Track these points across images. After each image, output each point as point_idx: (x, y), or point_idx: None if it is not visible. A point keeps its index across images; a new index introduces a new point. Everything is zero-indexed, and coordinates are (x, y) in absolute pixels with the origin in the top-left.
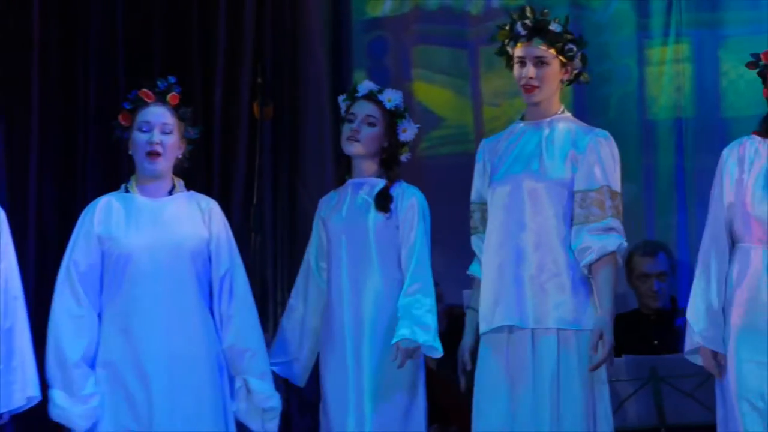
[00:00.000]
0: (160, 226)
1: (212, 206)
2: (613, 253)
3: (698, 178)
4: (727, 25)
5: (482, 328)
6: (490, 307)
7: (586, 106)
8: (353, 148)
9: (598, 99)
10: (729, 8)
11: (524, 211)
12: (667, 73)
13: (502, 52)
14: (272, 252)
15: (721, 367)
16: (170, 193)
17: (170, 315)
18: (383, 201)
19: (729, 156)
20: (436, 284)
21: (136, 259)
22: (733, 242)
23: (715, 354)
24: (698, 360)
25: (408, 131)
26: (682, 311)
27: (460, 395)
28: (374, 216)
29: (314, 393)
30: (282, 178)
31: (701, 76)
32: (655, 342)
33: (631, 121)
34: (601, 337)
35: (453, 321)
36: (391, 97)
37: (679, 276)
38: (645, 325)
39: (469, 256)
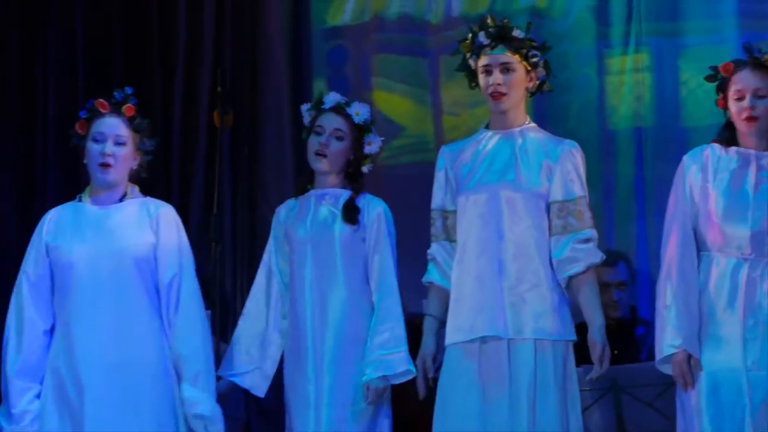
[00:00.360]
0: (103, 234)
1: (162, 211)
2: (596, 264)
3: (658, 188)
4: (687, 35)
5: (457, 338)
6: (469, 318)
7: (546, 114)
8: (321, 165)
9: (558, 108)
10: (688, 17)
11: (502, 220)
12: (627, 83)
13: (464, 68)
14: (232, 261)
15: (691, 375)
16: (121, 200)
17: (112, 323)
18: (351, 212)
19: (691, 163)
20: None
21: (77, 268)
22: (698, 250)
23: (689, 359)
24: (669, 369)
25: (373, 144)
26: (643, 321)
27: (418, 402)
28: (341, 227)
29: (274, 402)
30: (241, 187)
31: (661, 85)
32: (615, 352)
33: (591, 131)
34: (603, 348)
35: (413, 331)
36: (359, 111)
37: (639, 285)
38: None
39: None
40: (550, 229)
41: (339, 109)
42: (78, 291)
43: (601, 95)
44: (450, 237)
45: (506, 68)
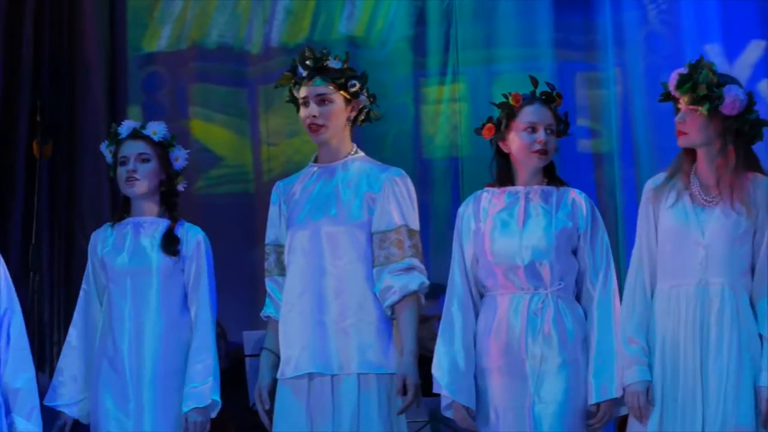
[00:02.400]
0: None
1: None
2: (415, 293)
3: None
4: (502, 62)
5: (285, 374)
6: (294, 354)
7: (362, 144)
8: (135, 189)
9: (374, 137)
10: (503, 45)
11: (323, 256)
12: (444, 112)
13: (292, 100)
14: (49, 292)
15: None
16: None
17: None
18: (170, 243)
19: (465, 211)
20: (217, 323)
21: None
22: (480, 294)
23: (466, 408)
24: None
25: (180, 159)
26: None
27: None
28: (159, 258)
29: None
30: (59, 218)
31: (476, 114)
32: None
33: (408, 160)
34: (405, 381)
35: (231, 361)
36: (156, 130)
37: None
38: (425, 367)
39: (246, 295)
40: (373, 260)
41: (136, 135)
42: None
43: (418, 124)
44: (283, 272)
45: (322, 99)
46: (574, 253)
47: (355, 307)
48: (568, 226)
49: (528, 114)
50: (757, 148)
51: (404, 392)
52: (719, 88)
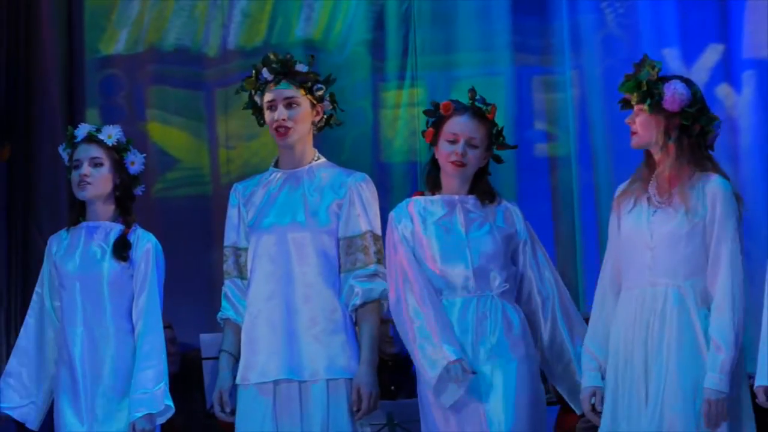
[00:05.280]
0: None
1: None
2: (377, 300)
3: None
4: (461, 67)
5: (250, 379)
6: (260, 360)
7: (321, 147)
8: (86, 193)
9: (332, 141)
10: (461, 50)
11: (291, 262)
12: (402, 117)
13: (251, 105)
14: (6, 294)
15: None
16: None
17: None
18: (121, 249)
19: (399, 219)
20: (169, 327)
21: None
22: None
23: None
24: None
25: (136, 163)
26: None
27: None
28: (109, 264)
29: None
30: (16, 220)
31: None
32: (392, 387)
33: (366, 163)
34: (359, 389)
35: (187, 364)
36: (111, 133)
37: None
38: (382, 371)
39: (204, 298)
40: (339, 266)
41: (91, 138)
42: None
43: (376, 128)
44: (242, 274)
45: (290, 103)
46: (512, 258)
47: (325, 313)
48: (510, 232)
49: (451, 125)
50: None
51: (360, 401)
52: (660, 84)
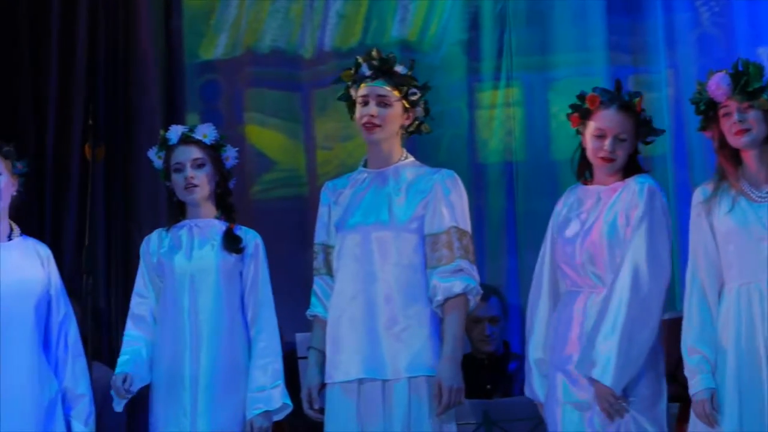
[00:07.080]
0: (3, 272)
1: (49, 252)
2: (460, 295)
3: (529, 222)
4: (556, 68)
5: (335, 378)
6: (343, 359)
7: (417, 148)
8: (195, 195)
9: (428, 141)
10: (558, 51)
11: (374, 262)
12: (498, 117)
13: (345, 97)
14: (105, 293)
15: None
16: (9, 238)
17: (8, 359)
18: (232, 242)
19: (557, 205)
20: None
21: None
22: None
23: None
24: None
25: (231, 158)
26: (515, 355)
27: None
28: (220, 257)
29: None
30: (115, 220)
31: (531, 119)
32: (488, 386)
33: (462, 164)
34: (440, 384)
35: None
36: (206, 133)
37: (511, 320)
38: (478, 369)
39: (300, 298)
40: (426, 263)
41: (188, 140)
42: None
43: (472, 129)
44: (331, 272)
45: (383, 101)
46: None
47: (405, 311)
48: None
49: (598, 119)
50: None
51: (440, 396)
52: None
